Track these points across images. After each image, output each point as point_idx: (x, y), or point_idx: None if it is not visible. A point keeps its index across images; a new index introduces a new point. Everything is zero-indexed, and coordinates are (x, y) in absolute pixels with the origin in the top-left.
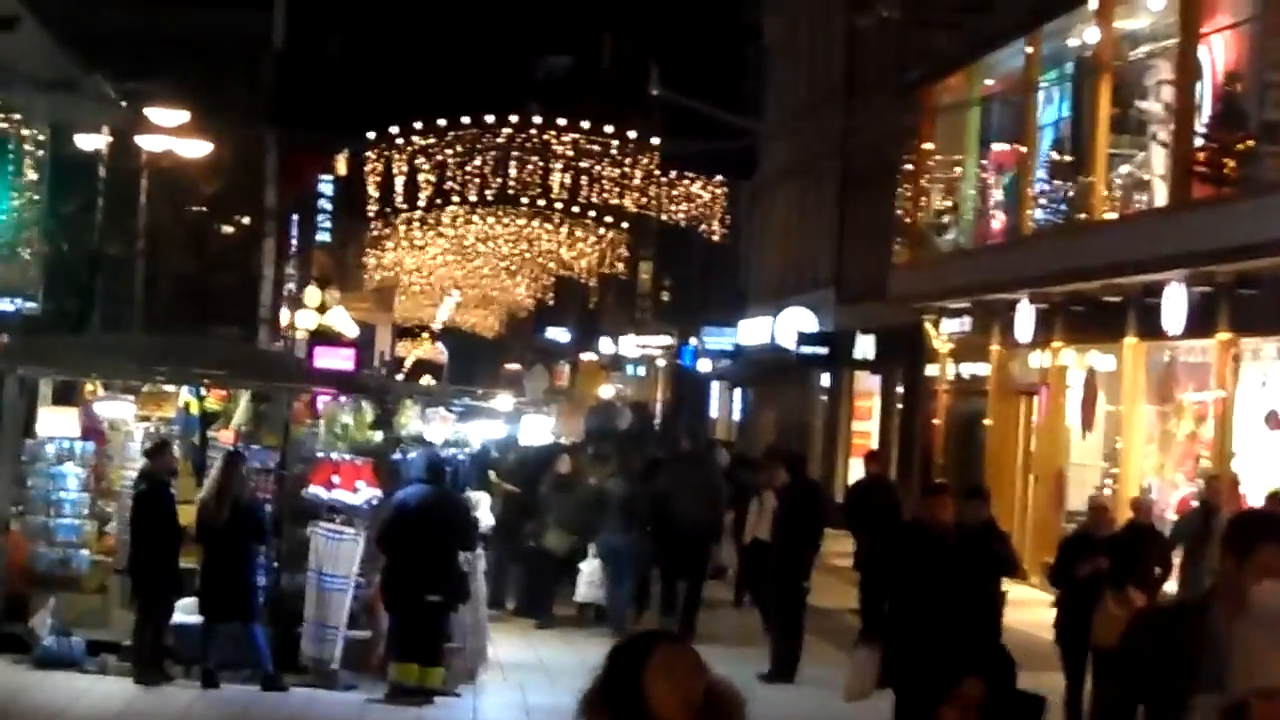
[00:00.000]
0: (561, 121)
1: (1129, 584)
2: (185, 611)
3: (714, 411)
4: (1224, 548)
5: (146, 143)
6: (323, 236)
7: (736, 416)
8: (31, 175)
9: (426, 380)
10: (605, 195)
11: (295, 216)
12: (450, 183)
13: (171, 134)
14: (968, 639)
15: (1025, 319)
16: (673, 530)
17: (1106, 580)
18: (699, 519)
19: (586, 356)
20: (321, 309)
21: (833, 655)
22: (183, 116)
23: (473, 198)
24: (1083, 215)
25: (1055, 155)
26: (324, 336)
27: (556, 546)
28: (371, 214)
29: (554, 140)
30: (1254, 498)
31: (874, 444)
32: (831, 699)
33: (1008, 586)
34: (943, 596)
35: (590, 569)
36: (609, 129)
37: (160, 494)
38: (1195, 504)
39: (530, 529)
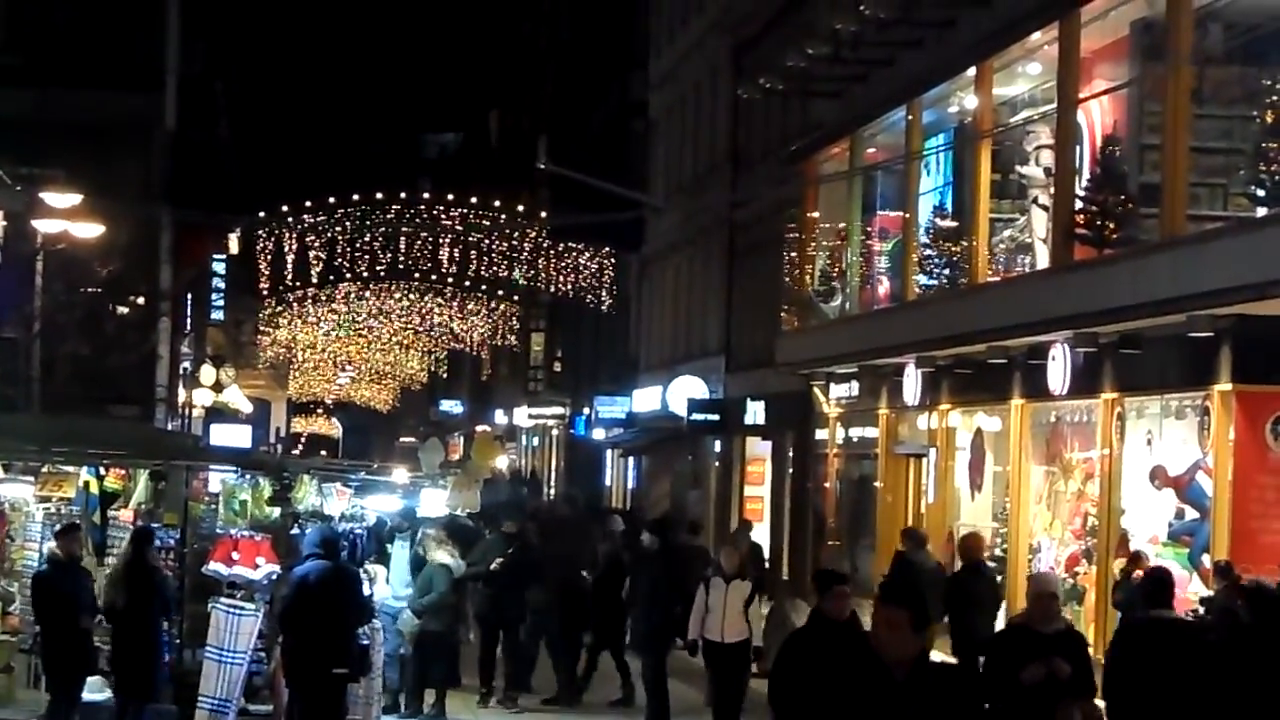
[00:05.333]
0: (450, 196)
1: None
2: (93, 689)
3: (608, 479)
4: None
5: (42, 226)
6: (216, 315)
7: (630, 484)
8: None
9: (322, 455)
10: (495, 268)
11: (189, 296)
12: (341, 259)
13: (66, 217)
14: None
15: (912, 382)
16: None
17: (1064, 688)
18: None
19: (481, 428)
20: (217, 387)
21: None
22: (76, 199)
23: (364, 274)
24: (966, 279)
25: (937, 221)
26: (220, 414)
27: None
28: (265, 291)
29: (443, 215)
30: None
31: (766, 508)
32: None
33: None
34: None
35: None
36: (497, 203)
37: (65, 575)
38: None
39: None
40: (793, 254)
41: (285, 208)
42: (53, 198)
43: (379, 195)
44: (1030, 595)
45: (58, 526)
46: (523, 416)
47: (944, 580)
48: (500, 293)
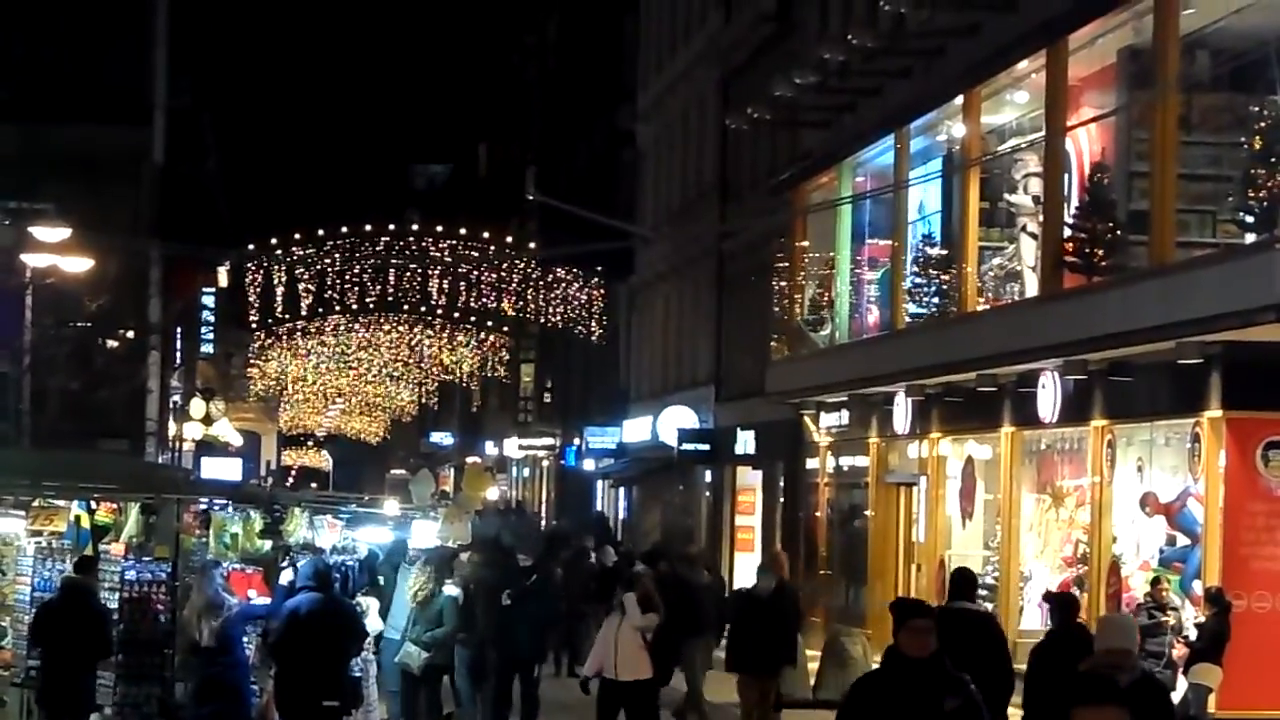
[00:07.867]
0: (439, 228)
1: None
2: None
3: (599, 510)
4: None
5: (31, 260)
6: (206, 348)
7: (622, 514)
8: None
9: (313, 488)
10: (484, 300)
11: (179, 329)
12: (331, 291)
13: (55, 251)
14: None
15: (902, 411)
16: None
17: None
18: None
19: (471, 460)
20: (207, 420)
21: None
22: (65, 233)
23: (354, 305)
24: (955, 308)
25: (926, 249)
26: (211, 447)
27: (409, 662)
28: (254, 324)
29: (432, 247)
30: (1135, 580)
31: (757, 538)
32: None
33: None
34: None
35: None
36: (486, 234)
37: (83, 606)
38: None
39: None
40: (782, 283)
41: (274, 240)
42: (42, 232)
43: (368, 227)
44: (1114, 651)
45: (74, 559)
46: (513, 448)
47: (718, 597)
48: (490, 324)
